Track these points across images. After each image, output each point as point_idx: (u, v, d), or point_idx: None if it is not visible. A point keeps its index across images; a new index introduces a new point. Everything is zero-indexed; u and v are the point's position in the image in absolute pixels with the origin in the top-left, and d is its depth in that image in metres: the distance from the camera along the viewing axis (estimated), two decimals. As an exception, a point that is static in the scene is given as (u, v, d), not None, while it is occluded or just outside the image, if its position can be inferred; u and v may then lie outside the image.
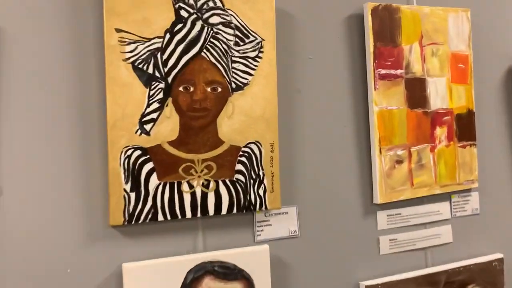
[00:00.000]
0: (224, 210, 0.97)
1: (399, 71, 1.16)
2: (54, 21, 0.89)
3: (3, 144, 0.85)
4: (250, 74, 0.99)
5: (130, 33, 0.90)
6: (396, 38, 1.16)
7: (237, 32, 0.98)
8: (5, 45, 0.85)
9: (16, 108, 0.86)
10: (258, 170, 1.00)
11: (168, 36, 0.93)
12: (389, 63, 1.14)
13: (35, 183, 0.87)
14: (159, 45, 0.92)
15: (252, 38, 0.99)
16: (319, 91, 1.12)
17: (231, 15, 0.98)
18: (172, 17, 0.93)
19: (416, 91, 1.18)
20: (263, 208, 1.01)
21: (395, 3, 1.16)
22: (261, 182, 1.00)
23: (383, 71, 1.14)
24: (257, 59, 1.00)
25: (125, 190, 0.90)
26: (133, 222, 0.90)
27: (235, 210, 0.98)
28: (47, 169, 0.88)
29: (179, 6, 0.94)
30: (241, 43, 0.99)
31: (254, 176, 1.00)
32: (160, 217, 0.93)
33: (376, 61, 1.12)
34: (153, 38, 0.92)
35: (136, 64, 0.91)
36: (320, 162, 1.12)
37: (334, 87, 1.14)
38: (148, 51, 0.92)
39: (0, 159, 0.85)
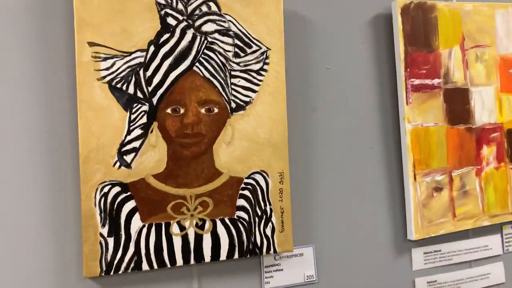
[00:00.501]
0: (223, 255, 0.88)
1: (436, 81, 1.07)
2: (17, 35, 0.81)
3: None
4: (254, 91, 0.90)
5: (106, 46, 0.82)
6: (432, 42, 1.07)
7: (236, 41, 0.89)
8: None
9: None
10: (265, 205, 0.90)
11: (152, 48, 0.84)
12: (424, 72, 1.06)
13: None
14: (142, 59, 0.83)
15: (255, 48, 0.90)
16: (339, 108, 1.04)
17: (229, 21, 0.88)
18: (157, 26, 0.84)
19: (457, 104, 1.10)
20: (271, 251, 0.90)
21: (430, 0, 1.07)
22: (268, 220, 0.90)
23: (416, 82, 1.06)
24: (262, 72, 0.91)
25: (101, 235, 0.81)
26: (112, 273, 0.82)
27: (236, 255, 0.88)
28: (9, 211, 0.80)
29: (166, 12, 0.85)
30: (242, 54, 0.89)
31: (259, 213, 0.90)
32: (145, 266, 0.83)
33: (408, 69, 1.05)
34: (134, 52, 0.83)
35: (113, 83, 0.82)
36: (341, 193, 1.03)
37: (357, 103, 1.05)
38: (128, 67, 0.83)
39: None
